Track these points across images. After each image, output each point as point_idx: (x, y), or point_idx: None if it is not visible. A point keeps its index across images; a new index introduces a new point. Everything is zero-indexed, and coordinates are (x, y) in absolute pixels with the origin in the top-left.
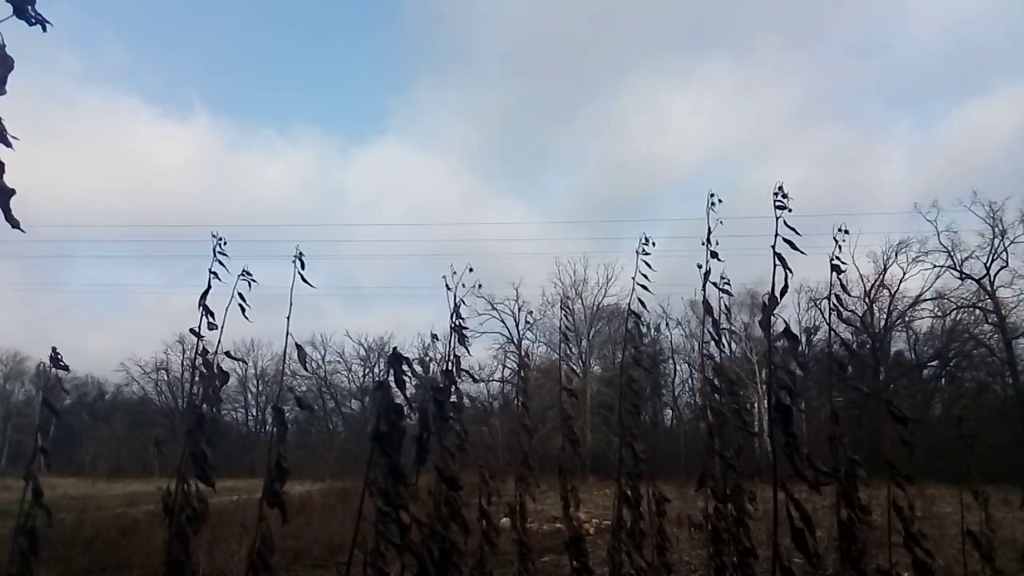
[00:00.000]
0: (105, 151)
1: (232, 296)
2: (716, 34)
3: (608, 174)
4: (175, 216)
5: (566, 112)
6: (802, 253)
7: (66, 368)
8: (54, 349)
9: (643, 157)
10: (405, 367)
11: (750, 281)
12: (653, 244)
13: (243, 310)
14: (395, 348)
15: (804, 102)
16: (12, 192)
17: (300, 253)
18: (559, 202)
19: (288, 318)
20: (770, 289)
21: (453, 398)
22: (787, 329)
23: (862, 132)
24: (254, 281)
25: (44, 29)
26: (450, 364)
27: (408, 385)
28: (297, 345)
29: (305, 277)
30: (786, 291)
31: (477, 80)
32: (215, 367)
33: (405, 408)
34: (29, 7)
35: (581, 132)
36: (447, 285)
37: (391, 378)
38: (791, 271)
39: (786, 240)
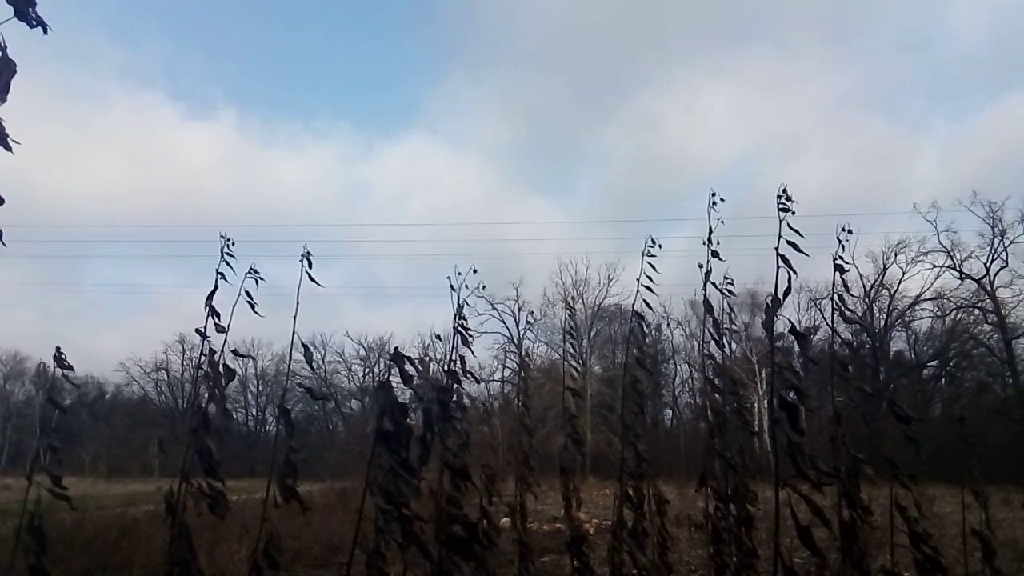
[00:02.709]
0: (131, 147)
1: (239, 294)
2: (755, 29)
3: (639, 172)
4: (197, 213)
5: (598, 109)
6: (806, 255)
7: (70, 367)
8: (58, 348)
9: (675, 154)
10: (406, 366)
11: (750, 281)
12: (659, 246)
13: (252, 307)
14: (396, 347)
15: (842, 97)
16: (0, 201)
17: (308, 253)
18: (587, 201)
19: (295, 318)
20: (773, 290)
21: (455, 398)
22: (793, 328)
23: (900, 128)
24: (262, 279)
25: (45, 32)
26: (452, 364)
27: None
28: (304, 345)
29: (313, 276)
30: (789, 292)
31: (509, 75)
32: (220, 366)
33: (409, 407)
34: (30, 9)
35: (612, 129)
36: (451, 286)
37: (394, 376)
38: (795, 272)
39: (789, 242)
